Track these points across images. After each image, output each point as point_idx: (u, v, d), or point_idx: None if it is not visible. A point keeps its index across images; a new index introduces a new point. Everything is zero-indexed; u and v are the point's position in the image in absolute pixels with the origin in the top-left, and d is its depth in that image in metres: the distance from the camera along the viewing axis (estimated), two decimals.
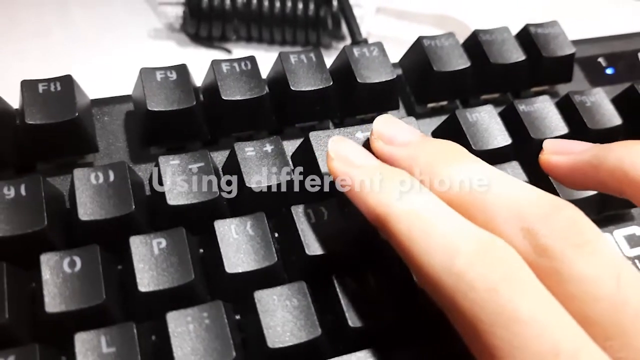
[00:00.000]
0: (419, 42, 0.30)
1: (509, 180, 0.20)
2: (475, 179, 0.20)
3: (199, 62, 0.30)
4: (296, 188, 0.25)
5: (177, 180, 0.23)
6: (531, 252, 0.18)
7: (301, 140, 0.27)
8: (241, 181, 0.24)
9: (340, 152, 0.22)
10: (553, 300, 0.17)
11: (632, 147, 0.21)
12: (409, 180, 0.20)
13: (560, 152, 0.23)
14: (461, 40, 0.31)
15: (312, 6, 0.40)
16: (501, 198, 0.19)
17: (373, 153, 0.23)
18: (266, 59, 0.29)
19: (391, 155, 0.22)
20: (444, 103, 0.31)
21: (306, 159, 0.25)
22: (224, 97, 0.26)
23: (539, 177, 0.26)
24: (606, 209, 0.28)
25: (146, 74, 0.26)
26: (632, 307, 0.16)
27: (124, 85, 0.28)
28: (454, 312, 0.17)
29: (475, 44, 0.31)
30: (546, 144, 0.24)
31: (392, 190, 0.20)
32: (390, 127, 0.23)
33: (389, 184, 0.20)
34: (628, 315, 0.16)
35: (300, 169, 0.25)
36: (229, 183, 0.25)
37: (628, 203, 0.22)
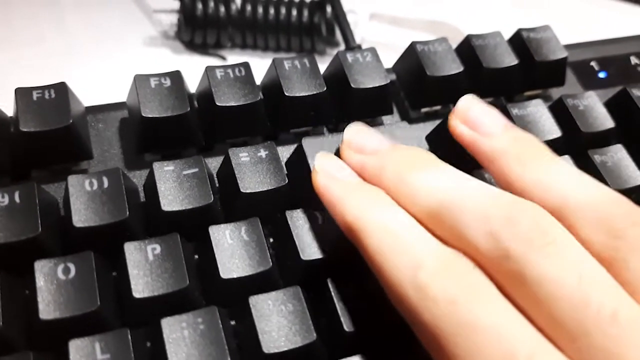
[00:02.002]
0: (412, 47, 0.30)
1: (475, 185, 0.20)
2: (442, 186, 0.20)
3: (194, 69, 0.30)
4: (290, 193, 0.25)
5: (172, 186, 0.23)
6: (496, 256, 0.18)
7: (295, 145, 0.27)
8: (236, 187, 0.24)
9: (324, 166, 0.22)
10: (510, 308, 0.17)
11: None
12: (382, 196, 0.21)
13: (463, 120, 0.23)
14: (454, 45, 0.31)
15: (306, 13, 0.40)
16: (466, 203, 0.19)
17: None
18: (261, 65, 0.29)
19: (360, 164, 0.22)
20: (438, 108, 0.31)
21: (300, 165, 0.25)
22: (218, 104, 0.26)
23: None
24: None
25: (140, 80, 0.26)
26: (594, 306, 0.16)
27: (118, 92, 0.28)
28: (418, 325, 0.18)
29: (468, 49, 0.31)
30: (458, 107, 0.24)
31: (365, 205, 0.20)
32: (360, 135, 0.23)
33: (363, 199, 0.21)
34: (590, 315, 0.16)
35: (294, 174, 0.25)
36: (223, 188, 0.25)
37: None
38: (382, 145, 0.23)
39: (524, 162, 0.21)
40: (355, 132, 0.23)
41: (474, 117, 0.23)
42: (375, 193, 0.21)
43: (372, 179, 0.22)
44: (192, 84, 0.28)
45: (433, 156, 0.22)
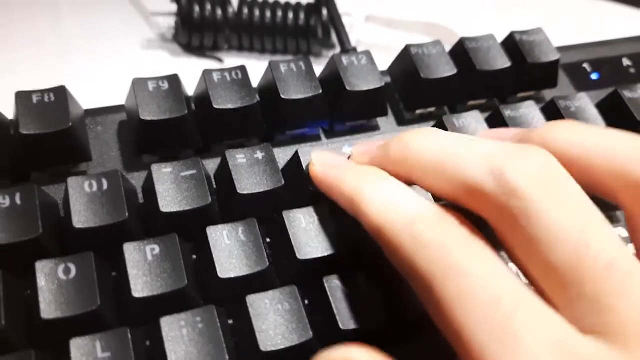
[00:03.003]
0: (406, 50, 0.31)
1: (478, 138, 0.21)
2: (447, 141, 0.21)
3: (191, 71, 0.30)
4: (287, 194, 0.25)
5: (170, 188, 0.24)
6: (500, 194, 0.18)
7: (291, 147, 0.27)
8: (233, 188, 0.24)
9: (319, 158, 0.24)
10: (500, 260, 0.18)
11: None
12: (377, 170, 0.22)
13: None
14: (448, 48, 0.32)
15: (302, 16, 0.41)
16: (471, 149, 0.20)
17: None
18: (258, 67, 0.30)
19: (367, 161, 0.23)
20: (432, 109, 0.31)
21: (296, 172, 0.25)
22: (215, 106, 0.26)
23: None
24: None
25: (139, 84, 0.26)
26: (592, 254, 0.17)
27: (116, 95, 0.29)
28: (412, 271, 0.19)
29: (461, 52, 0.31)
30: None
31: (361, 177, 0.22)
32: (365, 144, 0.24)
33: (359, 174, 0.22)
34: (586, 262, 0.17)
35: (290, 176, 0.26)
36: (220, 190, 0.25)
37: (613, 205, 0.22)
38: (385, 141, 0.23)
39: None
40: (361, 144, 0.24)
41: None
42: (369, 168, 0.22)
43: (380, 163, 0.22)
44: (190, 86, 0.28)
45: (436, 129, 0.23)
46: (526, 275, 0.18)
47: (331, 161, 0.24)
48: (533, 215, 0.18)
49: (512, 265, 0.19)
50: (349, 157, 0.25)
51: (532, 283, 0.18)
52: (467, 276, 0.17)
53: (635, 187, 0.19)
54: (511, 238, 0.18)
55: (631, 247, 0.19)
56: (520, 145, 0.19)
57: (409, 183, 0.21)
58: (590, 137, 0.21)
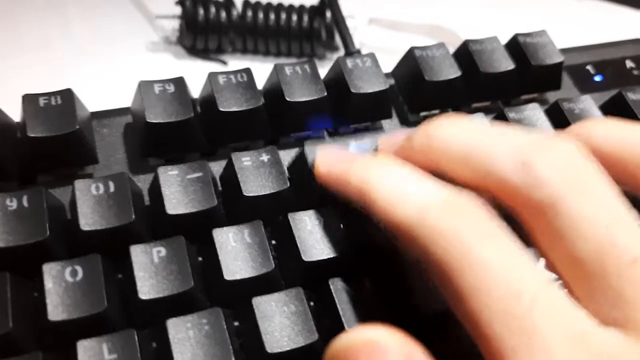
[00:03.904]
0: (410, 52, 0.31)
1: (504, 127, 0.20)
2: (472, 131, 0.20)
3: (196, 74, 0.30)
4: (292, 196, 0.25)
5: (176, 190, 0.24)
6: (527, 185, 0.18)
7: (296, 149, 0.27)
8: (238, 190, 0.24)
9: (323, 157, 0.24)
10: (519, 248, 0.17)
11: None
12: (385, 157, 0.22)
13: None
14: (452, 50, 0.32)
15: (306, 18, 0.41)
16: (498, 139, 0.19)
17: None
18: (262, 70, 0.30)
19: (397, 149, 0.23)
20: (436, 112, 0.31)
21: (302, 168, 0.26)
22: (220, 109, 0.26)
23: None
24: None
25: (145, 86, 0.26)
26: (619, 249, 0.16)
27: (122, 97, 0.29)
28: (427, 261, 0.18)
29: (465, 54, 0.31)
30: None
31: (367, 167, 0.21)
32: (391, 135, 0.24)
33: (365, 164, 0.21)
34: (612, 256, 0.16)
35: (296, 178, 0.26)
36: (226, 192, 0.25)
37: None
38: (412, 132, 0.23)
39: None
40: (387, 136, 0.24)
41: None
42: (376, 157, 0.22)
43: (405, 154, 0.22)
44: (194, 89, 0.28)
45: (460, 115, 0.22)
46: (552, 266, 0.18)
47: (336, 156, 0.23)
48: (560, 208, 0.17)
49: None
50: (376, 149, 0.24)
51: (558, 274, 0.17)
52: (485, 267, 0.17)
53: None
54: (537, 230, 0.18)
55: None
56: (549, 136, 0.19)
57: (435, 174, 0.21)
58: (627, 131, 0.20)
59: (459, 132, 0.21)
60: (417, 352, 0.17)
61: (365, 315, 0.23)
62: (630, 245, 0.17)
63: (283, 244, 0.24)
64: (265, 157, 0.26)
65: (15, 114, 0.26)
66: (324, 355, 0.17)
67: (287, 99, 0.27)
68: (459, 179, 0.20)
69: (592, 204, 0.17)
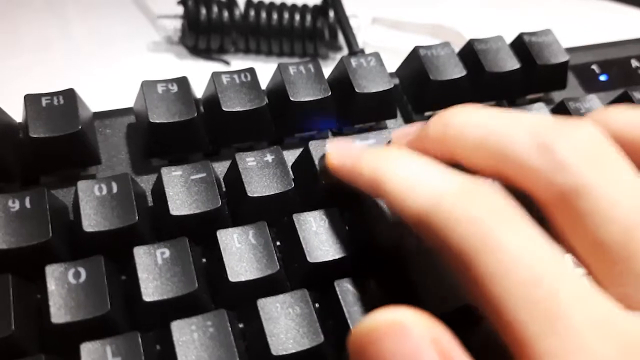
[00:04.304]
0: (415, 51, 0.31)
1: (521, 113, 0.20)
2: (489, 116, 0.20)
3: (198, 74, 0.30)
4: (297, 197, 0.25)
5: (180, 191, 0.24)
6: (548, 169, 0.18)
7: (300, 149, 0.27)
8: (243, 191, 0.24)
9: (335, 148, 0.23)
10: (538, 233, 0.17)
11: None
12: (396, 148, 0.21)
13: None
14: (456, 50, 0.32)
15: (309, 18, 0.40)
16: (519, 123, 0.19)
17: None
18: (264, 70, 0.30)
19: (407, 143, 0.23)
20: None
21: (306, 167, 0.25)
22: (224, 109, 0.26)
23: None
24: None
25: (147, 86, 0.26)
26: None
27: (124, 98, 0.29)
28: (445, 249, 0.18)
29: (470, 53, 0.31)
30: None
31: (380, 157, 0.21)
32: (403, 128, 0.24)
33: (377, 154, 0.21)
34: (637, 239, 0.16)
35: (300, 178, 0.25)
36: (230, 193, 0.25)
37: None
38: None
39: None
40: (399, 128, 0.24)
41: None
42: (388, 147, 0.21)
43: (420, 144, 0.22)
44: (197, 89, 0.28)
45: (475, 105, 0.22)
46: (574, 252, 0.17)
47: (348, 148, 0.23)
48: (583, 191, 0.17)
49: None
50: (389, 142, 0.24)
51: (580, 260, 0.17)
52: (505, 252, 0.16)
53: None
54: (559, 215, 0.18)
55: None
56: (568, 119, 0.19)
57: (451, 162, 0.20)
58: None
59: (475, 119, 0.20)
60: (444, 335, 0.16)
61: None
62: None
63: (288, 245, 0.24)
64: (269, 158, 0.25)
65: (16, 115, 0.25)
66: (348, 338, 0.17)
67: (291, 99, 0.27)
68: (476, 166, 0.20)
69: (615, 186, 0.17)
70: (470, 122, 0.20)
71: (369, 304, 0.23)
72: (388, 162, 0.20)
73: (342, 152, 0.23)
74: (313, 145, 0.25)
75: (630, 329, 0.15)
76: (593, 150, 0.18)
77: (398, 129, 0.24)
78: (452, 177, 0.19)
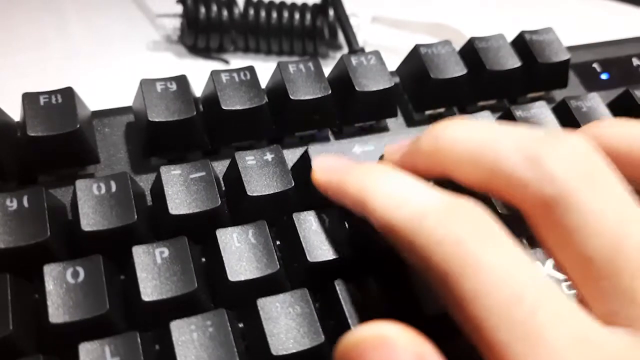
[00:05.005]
0: (415, 50, 0.30)
1: (509, 126, 0.20)
2: (479, 130, 0.20)
3: (197, 73, 0.30)
4: (297, 196, 0.25)
5: (179, 190, 0.24)
6: (536, 181, 0.18)
7: (300, 148, 0.27)
8: (242, 190, 0.24)
9: (321, 164, 0.23)
10: (520, 251, 0.17)
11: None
12: (381, 166, 0.21)
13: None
14: (457, 48, 0.31)
15: (308, 16, 0.40)
16: (506, 137, 0.19)
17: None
18: (264, 69, 0.29)
19: (399, 158, 0.23)
20: (442, 110, 0.31)
21: (305, 171, 0.25)
22: (224, 107, 0.26)
23: None
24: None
25: (146, 85, 0.26)
26: (631, 247, 0.16)
27: (122, 96, 0.29)
28: (428, 270, 0.18)
29: (471, 51, 0.31)
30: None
31: (365, 176, 0.21)
32: (396, 143, 0.23)
33: (363, 172, 0.21)
34: (625, 254, 0.16)
35: (300, 177, 0.25)
36: (230, 192, 0.25)
37: None
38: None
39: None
40: (391, 143, 0.24)
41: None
42: (373, 165, 0.21)
43: (412, 159, 0.22)
44: (196, 88, 0.28)
45: (464, 116, 0.22)
46: (560, 267, 0.17)
47: (333, 165, 0.23)
48: (570, 203, 0.17)
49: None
50: (381, 157, 0.24)
51: (566, 275, 0.17)
52: (486, 271, 0.16)
53: None
54: (545, 228, 0.18)
55: None
56: (558, 131, 0.19)
57: (443, 177, 0.21)
58: (638, 129, 0.20)
59: (466, 132, 0.20)
60: (428, 350, 0.16)
61: (371, 316, 0.22)
62: None
63: (288, 244, 0.24)
64: (269, 156, 0.25)
65: (14, 114, 0.25)
66: (334, 352, 0.17)
67: (291, 97, 0.27)
68: (467, 180, 0.20)
69: (604, 199, 0.17)
70: (460, 136, 0.20)
71: (369, 304, 0.23)
72: (373, 180, 0.20)
73: (328, 169, 0.23)
74: (312, 150, 0.25)
75: (612, 346, 0.15)
76: (582, 163, 0.18)
77: (391, 144, 0.24)
78: (435, 195, 0.19)
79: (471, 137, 0.20)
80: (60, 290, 0.21)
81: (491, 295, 0.16)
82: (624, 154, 0.20)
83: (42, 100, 0.24)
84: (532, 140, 0.18)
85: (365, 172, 0.21)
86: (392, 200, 0.19)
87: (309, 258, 0.23)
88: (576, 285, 0.17)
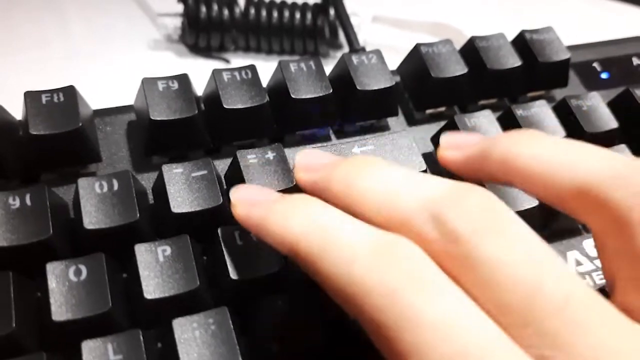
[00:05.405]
0: (416, 49, 0.31)
1: (421, 177, 0.19)
2: (389, 182, 0.19)
3: (198, 72, 0.30)
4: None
5: (181, 188, 0.24)
6: (441, 241, 0.17)
7: (301, 147, 0.27)
8: None
9: (240, 196, 0.21)
10: (461, 297, 0.16)
11: (516, 138, 0.21)
12: (306, 199, 0.20)
13: (454, 146, 0.23)
14: (457, 47, 0.32)
15: (309, 15, 0.40)
16: (412, 193, 0.18)
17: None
18: (265, 68, 0.29)
19: (311, 181, 0.21)
20: (442, 109, 0.31)
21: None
22: (225, 106, 0.26)
23: None
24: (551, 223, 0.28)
25: (148, 83, 0.26)
26: (548, 293, 0.16)
27: (123, 95, 0.29)
28: (364, 323, 0.17)
29: (472, 51, 0.31)
30: (442, 140, 0.23)
31: (289, 213, 0.19)
32: (310, 156, 0.22)
33: (286, 209, 0.20)
34: (543, 301, 0.16)
35: None
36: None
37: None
38: (329, 160, 0.22)
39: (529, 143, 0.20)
40: (305, 155, 0.22)
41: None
42: (296, 200, 0.20)
43: (321, 193, 0.21)
44: (197, 87, 0.28)
45: (378, 158, 0.21)
46: (485, 312, 0.16)
47: (253, 197, 0.21)
48: (476, 257, 0.16)
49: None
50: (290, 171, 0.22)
51: (495, 322, 0.16)
52: (424, 326, 0.15)
53: (597, 207, 0.18)
54: (461, 281, 0.17)
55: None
56: (460, 186, 0.18)
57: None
58: (556, 151, 0.19)
59: (378, 181, 0.19)
60: None
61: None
62: (558, 286, 0.16)
63: None
64: (270, 155, 0.25)
65: (15, 113, 0.25)
66: None
67: (293, 96, 0.27)
68: (380, 226, 0.19)
69: (512, 250, 0.16)
70: (372, 186, 0.19)
71: None
72: (295, 220, 0.19)
73: (248, 201, 0.21)
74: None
75: None
76: (484, 217, 0.17)
77: (301, 156, 0.22)
78: (364, 234, 0.18)
79: (381, 189, 0.19)
80: (63, 288, 0.21)
81: (434, 351, 0.15)
82: (538, 177, 0.19)
83: (44, 98, 0.24)
84: (435, 198, 0.18)
85: (289, 208, 0.20)
86: (317, 244, 0.18)
87: None
88: (507, 331, 0.16)
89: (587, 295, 0.16)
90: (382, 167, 0.20)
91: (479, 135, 0.23)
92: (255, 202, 0.21)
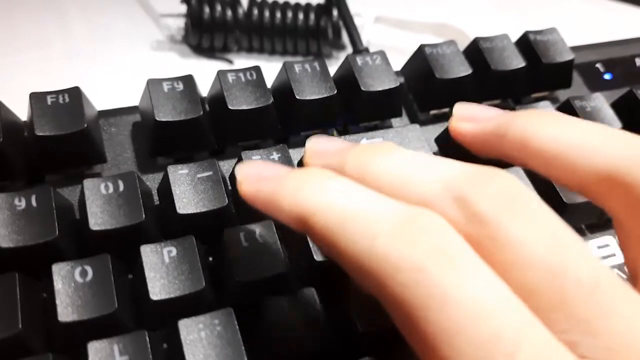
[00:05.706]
0: (420, 50, 0.31)
1: (440, 160, 0.19)
2: (406, 164, 0.18)
3: (202, 72, 0.30)
4: None
5: (187, 190, 0.24)
6: (466, 223, 0.16)
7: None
8: None
9: (246, 173, 0.20)
10: (491, 275, 0.15)
11: (535, 117, 0.20)
12: (323, 173, 0.18)
13: (468, 118, 0.22)
14: (461, 49, 0.32)
15: (312, 16, 0.40)
16: (433, 175, 0.18)
17: None
18: (268, 69, 0.29)
19: (325, 165, 0.20)
20: (446, 110, 0.31)
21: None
22: (230, 107, 0.26)
23: (543, 182, 0.26)
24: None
25: (153, 84, 0.26)
26: (574, 278, 0.15)
27: (127, 96, 0.29)
28: (386, 301, 0.16)
29: (476, 52, 0.31)
30: (456, 109, 0.22)
31: (301, 185, 0.18)
32: (321, 143, 0.21)
33: (298, 181, 0.18)
34: (568, 282, 0.15)
35: None
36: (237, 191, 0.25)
37: None
38: (344, 146, 0.21)
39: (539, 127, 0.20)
40: (316, 141, 0.21)
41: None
42: (310, 171, 0.18)
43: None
44: (200, 87, 0.28)
45: (395, 145, 0.20)
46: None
47: (262, 173, 0.19)
48: (501, 239, 0.16)
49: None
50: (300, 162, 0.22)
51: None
52: (457, 306, 0.14)
53: (623, 191, 0.17)
54: (488, 260, 0.16)
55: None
56: (483, 169, 0.18)
57: None
58: (575, 132, 0.19)
59: (394, 164, 0.19)
60: None
61: (376, 315, 0.22)
62: (584, 271, 0.15)
63: (294, 244, 0.24)
64: (275, 156, 0.25)
65: (20, 114, 0.25)
66: None
67: (297, 97, 0.27)
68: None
69: (536, 234, 0.16)
70: (388, 169, 0.18)
71: (375, 304, 0.23)
72: (312, 193, 0.17)
73: (255, 177, 0.19)
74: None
75: None
76: (508, 199, 0.16)
77: (312, 141, 0.21)
78: (389, 207, 0.16)
79: (398, 171, 0.18)
80: (69, 289, 0.21)
81: (464, 333, 0.14)
82: (554, 158, 0.19)
83: (49, 99, 0.25)
84: (457, 180, 0.17)
85: (301, 182, 0.18)
86: (335, 216, 0.17)
87: (315, 257, 0.23)
88: (539, 315, 0.15)
89: (615, 281, 0.15)
90: (399, 150, 0.19)
91: (495, 109, 0.22)
92: (264, 177, 0.19)
